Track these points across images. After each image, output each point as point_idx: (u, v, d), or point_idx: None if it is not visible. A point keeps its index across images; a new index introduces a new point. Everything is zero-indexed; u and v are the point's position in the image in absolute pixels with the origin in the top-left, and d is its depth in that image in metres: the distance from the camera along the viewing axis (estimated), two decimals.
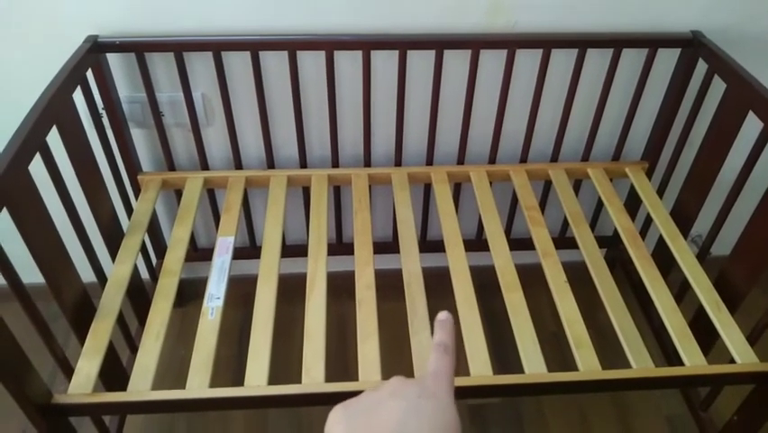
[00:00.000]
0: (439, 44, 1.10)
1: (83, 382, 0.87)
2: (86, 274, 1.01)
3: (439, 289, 1.04)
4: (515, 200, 1.32)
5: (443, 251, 1.08)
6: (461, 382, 0.88)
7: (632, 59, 1.16)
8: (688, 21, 1.13)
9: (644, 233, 1.27)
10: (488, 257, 1.07)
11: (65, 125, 0.95)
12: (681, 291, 1.11)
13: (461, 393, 0.89)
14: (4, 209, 0.78)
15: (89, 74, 1.04)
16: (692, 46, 1.12)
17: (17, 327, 0.79)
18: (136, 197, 1.20)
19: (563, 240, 1.36)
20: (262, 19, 1.07)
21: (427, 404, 0.41)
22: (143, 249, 1.19)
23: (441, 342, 0.47)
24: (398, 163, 1.26)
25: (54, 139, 0.91)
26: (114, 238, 1.10)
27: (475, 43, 1.10)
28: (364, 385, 0.87)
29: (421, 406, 0.40)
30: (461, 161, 1.27)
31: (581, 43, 1.12)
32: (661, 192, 1.25)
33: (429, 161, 1.27)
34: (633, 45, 1.13)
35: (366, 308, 0.97)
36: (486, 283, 1.07)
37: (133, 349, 1.16)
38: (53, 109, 0.90)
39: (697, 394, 1.18)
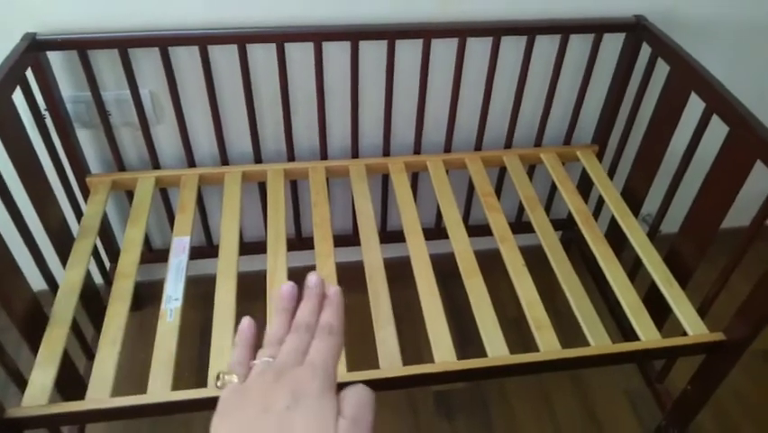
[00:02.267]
0: (391, 34, 1.09)
1: (38, 394, 0.84)
2: (37, 282, 0.97)
3: (401, 278, 1.05)
4: (471, 187, 1.33)
5: (404, 240, 1.09)
6: (427, 369, 0.89)
7: (579, 44, 1.19)
8: (632, 6, 1.16)
9: (596, 214, 1.30)
10: (447, 245, 1.08)
11: (5, 128, 0.91)
12: (634, 269, 1.14)
13: (426, 381, 0.90)
14: None
15: (29, 73, 1.00)
16: (636, 30, 1.15)
17: None
18: (85, 200, 1.16)
19: (520, 224, 1.39)
20: (210, 12, 1.05)
21: (297, 417, 0.38)
22: (95, 253, 1.15)
23: (327, 323, 0.44)
24: (355, 155, 1.26)
25: None
26: (63, 243, 1.06)
27: (426, 32, 1.10)
28: None
29: (289, 421, 0.37)
30: (417, 151, 1.27)
31: (530, 30, 1.13)
32: (611, 174, 1.29)
33: (386, 152, 1.27)
34: (580, 31, 1.16)
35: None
36: (446, 271, 1.08)
37: (90, 356, 1.13)
38: None
39: (653, 367, 1.22)
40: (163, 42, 1.04)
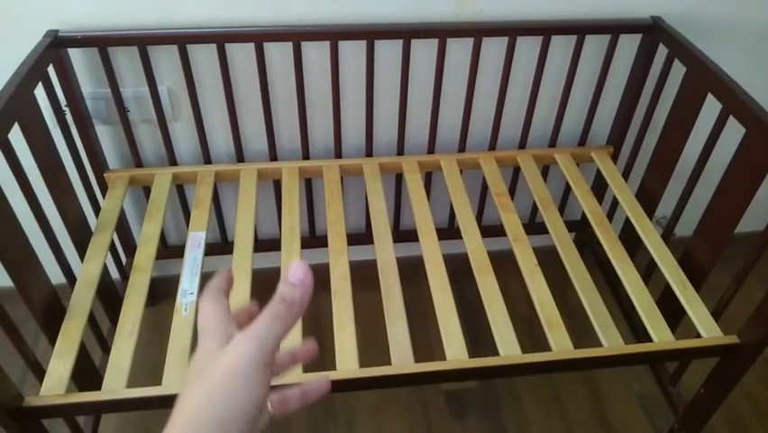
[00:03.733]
0: (406, 34, 1.10)
1: (55, 384, 0.85)
2: (55, 275, 0.99)
3: (414, 277, 1.05)
4: (485, 187, 1.33)
5: (417, 240, 1.09)
6: (439, 366, 0.89)
7: (595, 45, 1.19)
8: (648, 7, 1.15)
9: (610, 215, 1.30)
10: (460, 245, 1.09)
11: (27, 123, 0.93)
12: (648, 271, 1.14)
13: (438, 378, 0.90)
14: None
15: (51, 70, 1.02)
16: (653, 31, 1.14)
17: None
18: (103, 195, 1.18)
19: (533, 225, 1.39)
20: (227, 11, 1.06)
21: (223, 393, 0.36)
22: (112, 248, 1.17)
23: (286, 295, 0.39)
24: (369, 154, 1.26)
25: (17, 137, 0.89)
26: (82, 237, 1.08)
27: (442, 32, 1.11)
28: (342, 375, 0.87)
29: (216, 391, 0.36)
30: (431, 151, 1.28)
31: (546, 30, 1.13)
32: (626, 175, 1.28)
33: (400, 151, 1.27)
34: (595, 31, 1.16)
35: (341, 297, 0.97)
36: (459, 271, 1.08)
37: (106, 349, 1.15)
38: (14, 107, 0.88)
39: (665, 370, 1.21)
40: (181, 40, 1.06)
